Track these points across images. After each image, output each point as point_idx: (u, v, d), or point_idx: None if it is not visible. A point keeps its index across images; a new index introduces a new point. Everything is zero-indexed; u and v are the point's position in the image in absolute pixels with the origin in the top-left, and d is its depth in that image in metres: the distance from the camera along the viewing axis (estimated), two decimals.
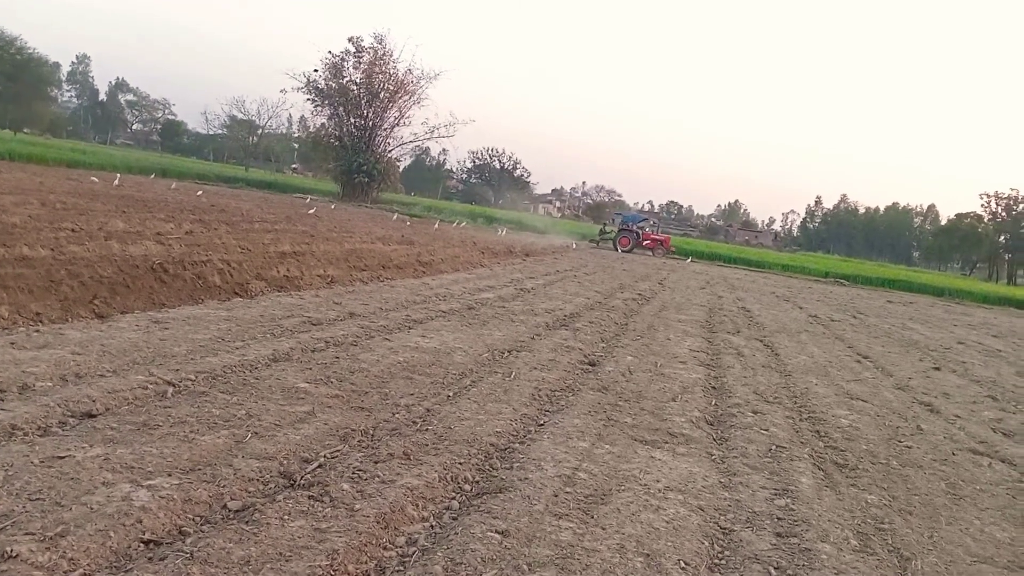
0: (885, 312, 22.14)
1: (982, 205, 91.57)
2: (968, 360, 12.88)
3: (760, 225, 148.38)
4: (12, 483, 3.25)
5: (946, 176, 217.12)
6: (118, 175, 29.52)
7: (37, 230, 9.93)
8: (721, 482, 4.78)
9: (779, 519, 4.26)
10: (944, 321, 22.09)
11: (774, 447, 5.68)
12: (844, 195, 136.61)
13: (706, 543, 3.80)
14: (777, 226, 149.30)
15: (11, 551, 2.72)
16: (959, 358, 13.01)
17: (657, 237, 40.76)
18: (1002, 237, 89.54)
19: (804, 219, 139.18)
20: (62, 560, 2.75)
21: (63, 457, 3.58)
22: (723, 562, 3.66)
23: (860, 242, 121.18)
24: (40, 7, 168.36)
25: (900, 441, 6.48)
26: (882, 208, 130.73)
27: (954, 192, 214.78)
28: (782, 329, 13.54)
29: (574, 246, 36.35)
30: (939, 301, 35.43)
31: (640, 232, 40.40)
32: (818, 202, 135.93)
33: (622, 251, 37.73)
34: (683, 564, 3.50)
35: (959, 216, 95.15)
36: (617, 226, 42.75)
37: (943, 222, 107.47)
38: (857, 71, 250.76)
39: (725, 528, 4.06)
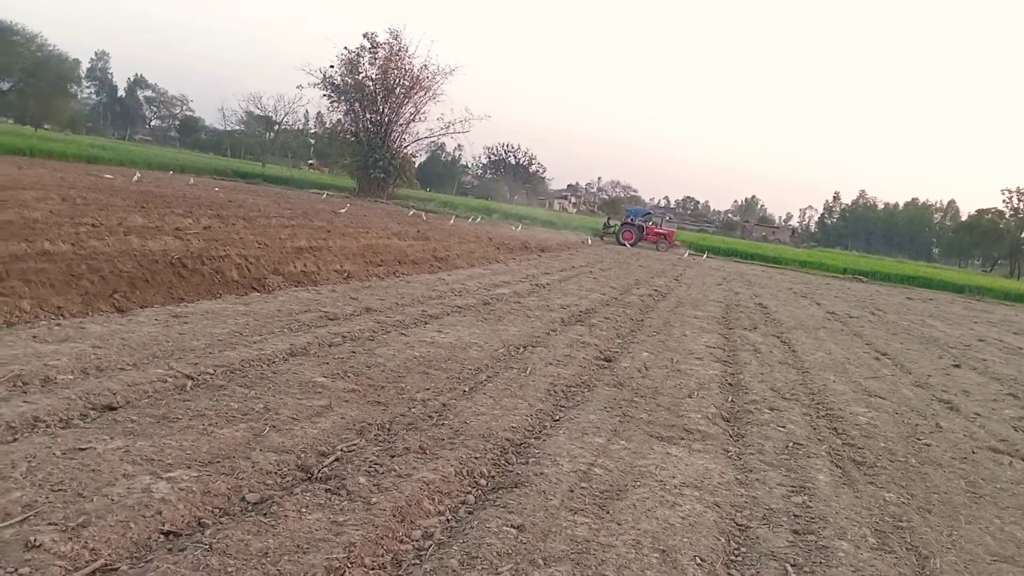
0: (904, 309, 21.94)
1: (1003, 201, 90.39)
2: (988, 357, 12.73)
3: (777, 221, 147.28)
4: (35, 474, 3.30)
5: (966, 171, 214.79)
6: (137, 172, 29.78)
7: (58, 225, 10.04)
8: (737, 479, 4.76)
9: (796, 516, 4.23)
10: (964, 318, 21.85)
11: (791, 444, 5.65)
12: (863, 191, 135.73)
13: (722, 540, 3.79)
14: (794, 222, 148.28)
15: (35, 541, 2.76)
16: (979, 355, 12.87)
17: (660, 231, 40.61)
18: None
19: (822, 215, 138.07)
20: (84, 550, 2.80)
21: (84, 449, 3.63)
22: (739, 559, 3.65)
23: (879, 238, 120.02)
24: (61, 4, 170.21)
25: (919, 439, 6.43)
26: (901, 204, 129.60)
27: (975, 188, 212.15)
28: (799, 325, 13.45)
29: (589, 242, 36.29)
30: (959, 298, 35.06)
31: (644, 226, 40.29)
32: (836, 198, 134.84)
33: (626, 244, 37.68)
34: (699, 560, 3.49)
35: (980, 212, 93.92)
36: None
37: (963, 218, 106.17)
38: (877, 66, 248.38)
39: (741, 525, 4.05)
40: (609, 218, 46.57)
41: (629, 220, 40.98)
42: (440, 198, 61.33)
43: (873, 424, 6.67)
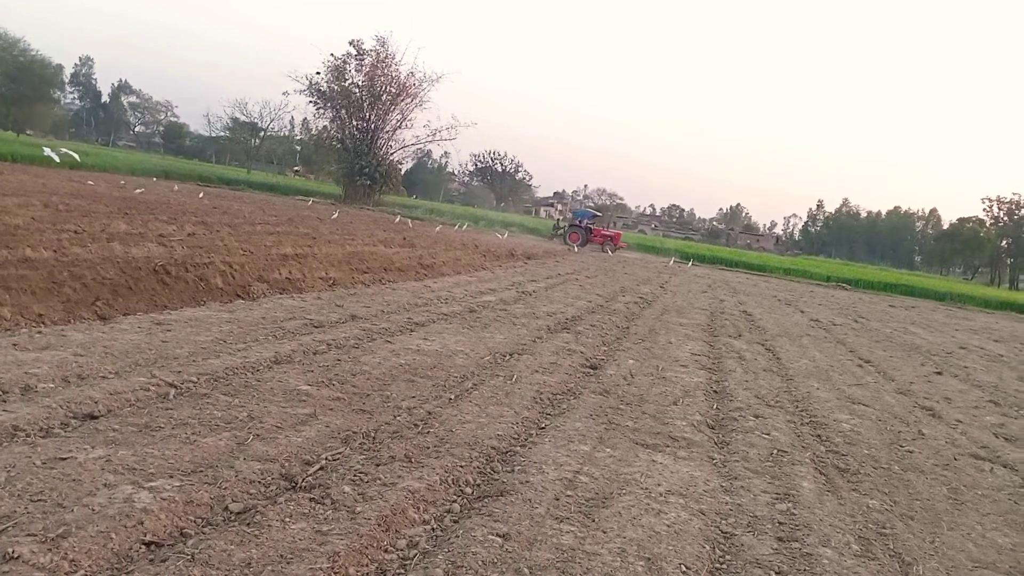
0: (887, 316, 22.12)
1: (984, 209, 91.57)
2: (970, 365, 12.87)
3: (762, 229, 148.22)
4: (14, 484, 3.25)
5: (948, 180, 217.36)
6: (122, 180, 29.50)
7: (40, 232, 9.95)
8: (722, 486, 4.78)
9: (780, 523, 4.25)
10: (946, 325, 22.07)
11: (775, 451, 5.68)
12: (846, 199, 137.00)
13: (707, 547, 3.80)
14: (779, 230, 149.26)
15: (13, 552, 2.72)
16: (961, 363, 13.00)
17: (607, 233, 41.35)
18: (1004, 241, 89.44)
19: (806, 223, 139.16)
20: (63, 561, 2.76)
21: (65, 458, 3.59)
22: (724, 566, 3.65)
23: (862, 246, 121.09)
24: (43, 9, 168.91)
25: (902, 446, 6.48)
26: (884, 212, 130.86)
27: (956, 196, 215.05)
28: (784, 333, 13.53)
29: (575, 249, 36.39)
30: (941, 305, 35.39)
31: (591, 228, 40.81)
32: (820, 206, 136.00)
33: (573, 247, 38.11)
34: (684, 568, 3.50)
35: (961, 220, 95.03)
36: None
37: (945, 226, 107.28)
38: (859, 74, 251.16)
39: (726, 532, 4.06)
40: (558, 220, 47.11)
41: (577, 222, 41.70)
42: (426, 205, 61.28)
43: (856, 431, 6.72)
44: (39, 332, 5.91)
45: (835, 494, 4.93)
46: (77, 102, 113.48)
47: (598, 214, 47.27)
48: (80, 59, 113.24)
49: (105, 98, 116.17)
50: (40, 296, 6.63)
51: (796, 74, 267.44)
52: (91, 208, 15.04)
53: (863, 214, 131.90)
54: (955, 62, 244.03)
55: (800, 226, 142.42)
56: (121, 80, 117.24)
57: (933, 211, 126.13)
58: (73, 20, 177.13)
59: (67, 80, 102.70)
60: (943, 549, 4.30)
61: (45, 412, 4.11)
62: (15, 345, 5.38)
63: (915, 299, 37.37)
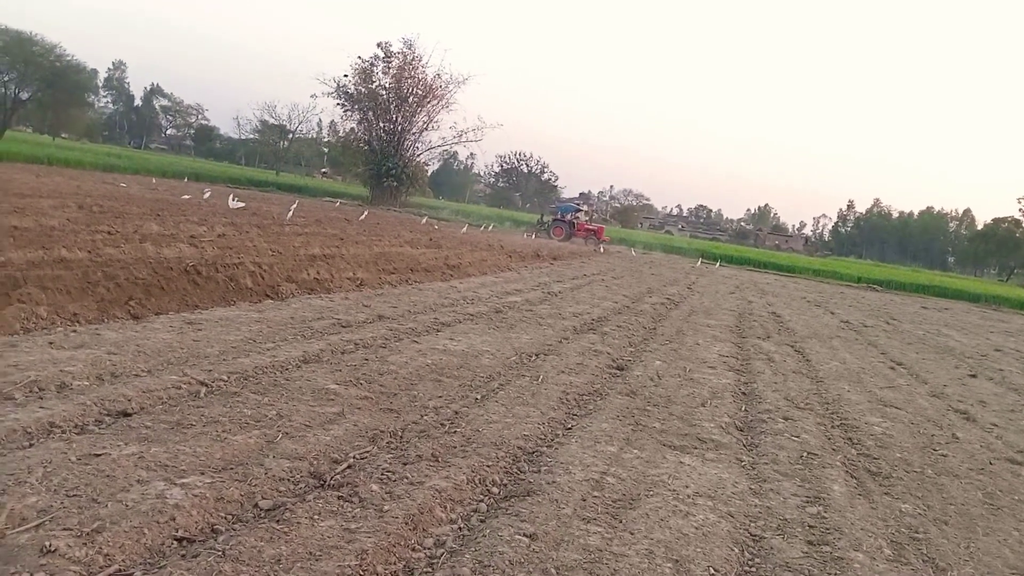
0: (919, 318, 21.75)
1: (1020, 209, 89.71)
2: (1005, 367, 12.60)
3: (790, 229, 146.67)
4: (51, 480, 3.32)
5: (982, 180, 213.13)
6: (154, 180, 29.94)
7: (75, 233, 10.14)
8: (751, 488, 4.73)
9: (811, 527, 4.20)
10: (980, 327, 21.63)
11: (805, 454, 5.60)
12: (877, 199, 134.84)
13: (736, 550, 3.76)
14: (808, 230, 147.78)
15: (50, 546, 2.78)
16: (996, 365, 12.73)
17: (590, 227, 41.30)
18: None
19: (836, 223, 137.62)
20: (98, 556, 2.81)
21: (99, 455, 3.65)
22: (753, 569, 3.61)
23: (893, 247, 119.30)
24: (79, 15, 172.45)
25: (935, 449, 6.36)
26: (916, 212, 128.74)
27: (990, 196, 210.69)
28: (813, 335, 13.36)
29: (602, 250, 36.28)
30: (975, 307, 34.72)
31: (574, 222, 40.49)
32: (850, 206, 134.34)
33: (557, 240, 37.91)
34: (713, 571, 3.46)
35: (996, 220, 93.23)
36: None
37: (979, 227, 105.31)
38: (892, 74, 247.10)
39: (755, 535, 4.01)
40: (542, 214, 47.04)
41: (559, 216, 41.38)
42: (452, 206, 61.54)
43: (888, 434, 6.61)
44: (74, 331, 6.03)
45: (867, 498, 4.85)
46: (110, 106, 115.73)
47: (582, 208, 47.22)
48: (113, 64, 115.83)
49: (138, 102, 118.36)
50: (75, 295, 6.76)
51: (828, 75, 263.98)
52: (124, 210, 15.30)
53: (895, 214, 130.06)
54: (990, 63, 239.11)
55: (830, 227, 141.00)
56: (153, 84, 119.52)
57: (967, 211, 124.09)
58: (107, 27, 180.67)
59: (101, 84, 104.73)
60: (978, 555, 4.21)
61: (80, 409, 4.19)
62: (51, 343, 5.49)
63: (948, 301, 36.71)
